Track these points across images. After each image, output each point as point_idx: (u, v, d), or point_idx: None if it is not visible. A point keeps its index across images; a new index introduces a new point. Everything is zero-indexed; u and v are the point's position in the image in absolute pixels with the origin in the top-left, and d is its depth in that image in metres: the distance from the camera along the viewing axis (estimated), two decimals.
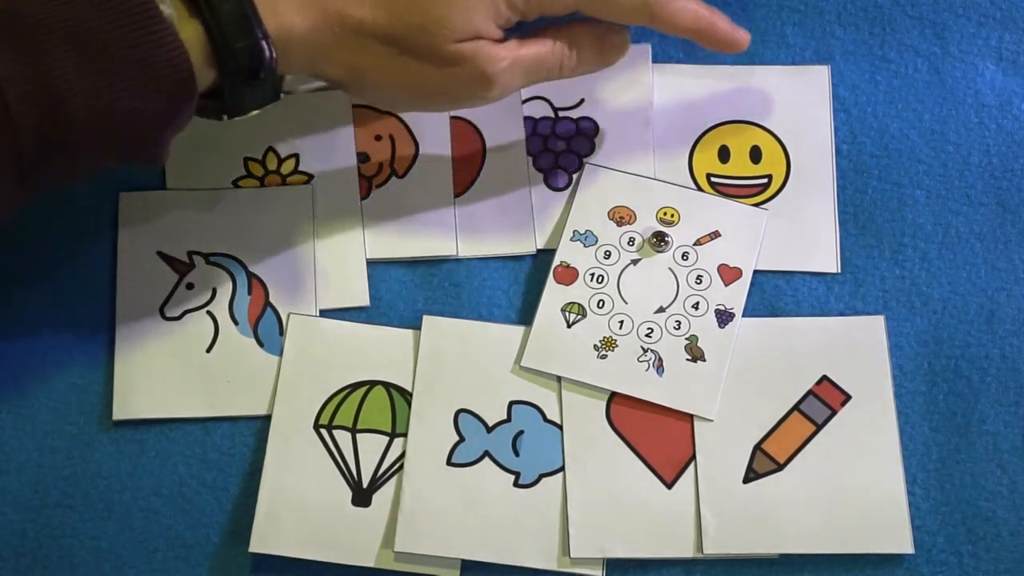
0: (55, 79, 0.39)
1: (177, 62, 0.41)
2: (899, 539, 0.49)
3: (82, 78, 0.39)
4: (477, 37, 0.46)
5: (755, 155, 0.55)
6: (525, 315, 0.53)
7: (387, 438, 0.50)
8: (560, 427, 0.50)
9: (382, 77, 0.47)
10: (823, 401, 0.51)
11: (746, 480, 0.49)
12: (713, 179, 0.55)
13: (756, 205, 0.54)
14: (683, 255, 0.53)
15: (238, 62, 0.43)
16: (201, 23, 0.42)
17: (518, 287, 0.53)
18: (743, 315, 0.52)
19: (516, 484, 0.49)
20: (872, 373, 0.51)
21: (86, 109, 0.40)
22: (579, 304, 0.52)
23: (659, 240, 0.53)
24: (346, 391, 0.51)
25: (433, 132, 0.55)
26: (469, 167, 0.55)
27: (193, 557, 0.49)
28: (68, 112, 0.39)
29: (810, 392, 0.51)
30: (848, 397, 0.51)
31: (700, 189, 0.54)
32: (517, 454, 0.50)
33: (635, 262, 0.53)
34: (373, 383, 0.51)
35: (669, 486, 0.49)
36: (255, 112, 0.46)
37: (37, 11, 0.39)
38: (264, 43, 0.43)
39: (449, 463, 0.50)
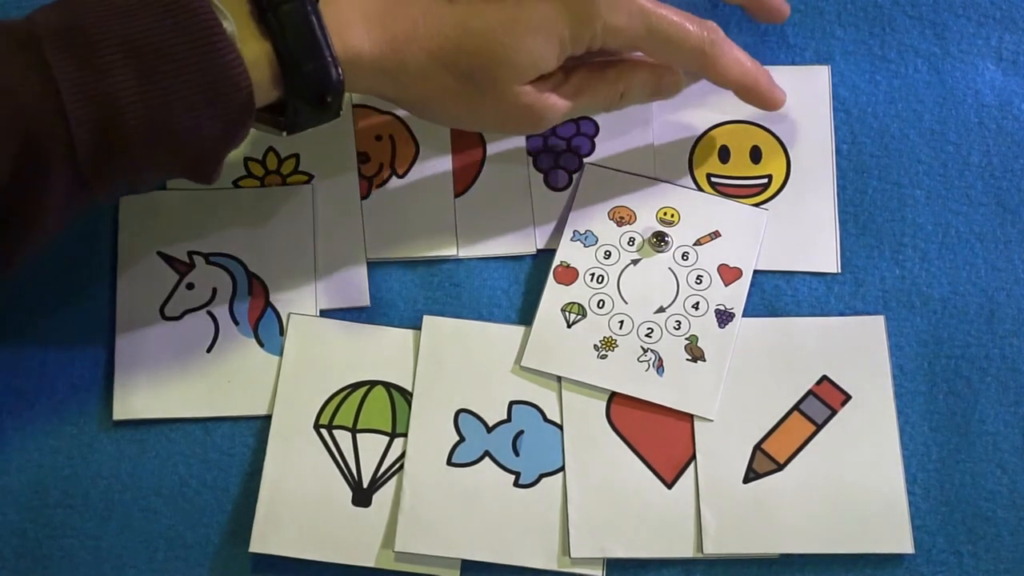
0: (113, 93, 0.39)
1: (237, 80, 0.41)
2: (899, 539, 0.49)
3: (140, 92, 0.40)
4: (540, 76, 0.47)
5: (755, 155, 0.55)
6: (525, 315, 0.53)
7: (387, 438, 0.50)
8: (560, 427, 0.50)
9: (443, 104, 0.48)
10: (823, 401, 0.51)
11: (746, 480, 0.49)
12: (713, 179, 0.55)
13: (756, 205, 0.54)
14: (683, 255, 0.53)
15: (306, 84, 0.43)
16: (271, 43, 0.42)
17: (518, 287, 0.53)
18: (743, 315, 0.52)
19: (516, 484, 0.49)
20: (872, 373, 0.51)
21: (143, 123, 0.40)
22: (579, 304, 0.52)
23: (659, 240, 0.53)
24: (346, 391, 0.51)
25: (433, 132, 0.55)
26: (469, 167, 0.55)
27: (193, 557, 0.49)
28: (125, 126, 0.40)
29: (810, 392, 0.51)
30: (848, 397, 0.51)
31: (700, 189, 0.54)
32: (517, 454, 0.50)
33: (635, 262, 0.53)
34: (373, 383, 0.51)
35: (669, 486, 0.49)
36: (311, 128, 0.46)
37: (98, 25, 0.39)
38: (332, 66, 0.43)
39: (449, 463, 0.50)
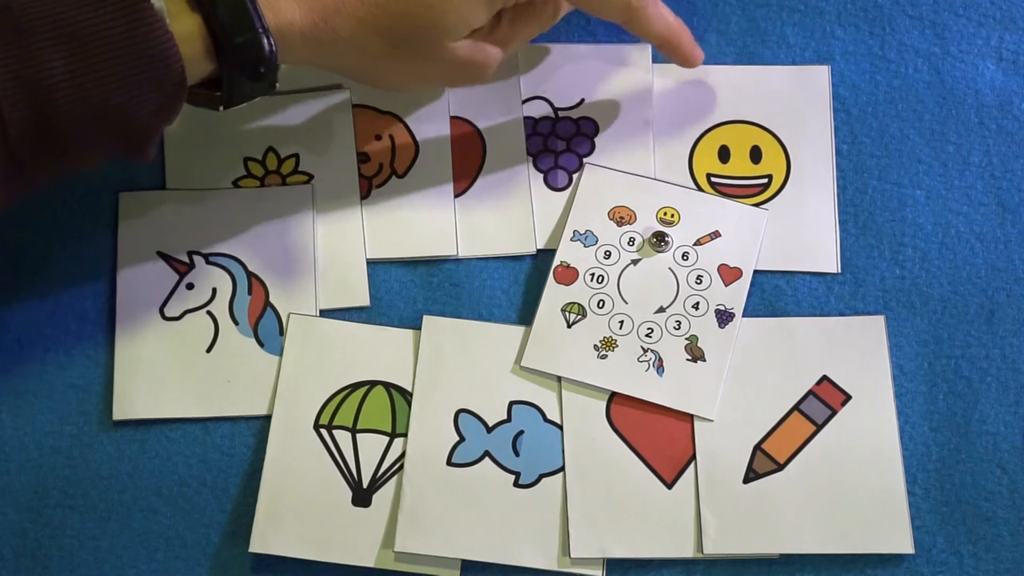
0: (44, 73, 0.39)
1: (167, 56, 0.41)
2: (899, 539, 0.49)
3: (71, 72, 0.40)
4: (472, 31, 0.48)
5: (755, 155, 0.55)
6: (525, 315, 0.53)
7: (387, 438, 0.50)
8: (560, 427, 0.50)
9: (381, 69, 0.48)
10: (823, 401, 0.51)
11: (746, 480, 0.49)
12: (713, 179, 0.55)
13: (756, 205, 0.54)
14: (683, 255, 0.53)
15: (238, 55, 0.43)
16: (201, 16, 0.43)
17: (518, 287, 0.53)
18: (743, 315, 0.52)
19: (516, 484, 0.49)
20: (872, 373, 0.51)
21: (75, 103, 0.40)
22: (579, 304, 0.52)
23: (659, 240, 0.53)
24: (346, 391, 0.51)
25: (433, 132, 0.55)
26: (469, 167, 0.55)
27: (193, 557, 0.49)
28: (57, 106, 0.40)
29: (810, 392, 0.51)
30: (848, 397, 0.51)
31: (700, 189, 0.54)
32: (517, 454, 0.50)
33: (635, 262, 0.53)
34: (373, 383, 0.51)
35: (669, 486, 0.49)
36: (250, 102, 0.46)
37: (26, 6, 0.39)
38: (264, 37, 0.43)
39: (449, 463, 0.50)
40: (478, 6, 0.47)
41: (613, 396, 0.51)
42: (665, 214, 0.54)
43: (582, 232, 0.53)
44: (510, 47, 0.51)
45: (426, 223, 0.54)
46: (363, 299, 0.53)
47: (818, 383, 0.51)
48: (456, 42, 0.47)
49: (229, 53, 0.43)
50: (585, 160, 0.55)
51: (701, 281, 0.52)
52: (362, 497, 0.49)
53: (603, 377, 0.51)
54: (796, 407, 0.51)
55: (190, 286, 0.52)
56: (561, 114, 0.56)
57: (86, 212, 0.53)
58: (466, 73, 0.50)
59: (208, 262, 0.53)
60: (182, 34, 0.42)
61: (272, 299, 0.52)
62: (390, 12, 0.46)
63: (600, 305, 0.52)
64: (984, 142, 0.55)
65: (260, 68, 0.44)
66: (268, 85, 0.46)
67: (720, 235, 0.53)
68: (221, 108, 0.46)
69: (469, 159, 0.55)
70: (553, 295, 0.52)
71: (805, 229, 0.54)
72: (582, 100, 0.56)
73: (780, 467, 0.50)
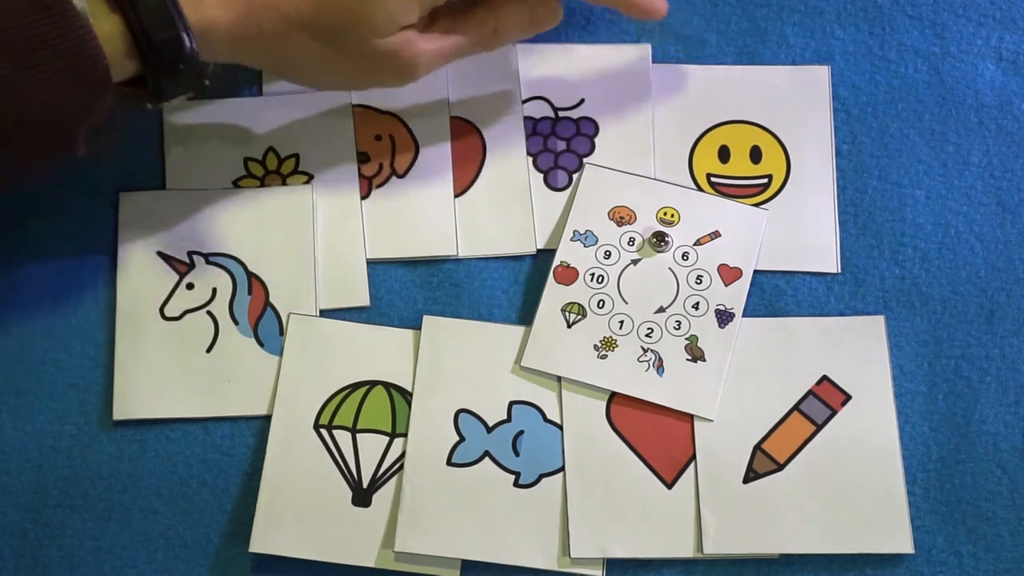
0: None
1: (92, 55, 0.41)
2: (899, 539, 0.49)
3: None
4: (401, 28, 0.47)
5: (755, 155, 0.55)
6: (525, 315, 0.53)
7: (387, 438, 0.50)
8: (560, 427, 0.50)
9: (307, 65, 0.48)
10: (823, 401, 0.51)
11: (746, 480, 0.50)
12: (713, 179, 0.55)
13: (756, 205, 0.54)
14: (683, 255, 0.53)
15: (159, 54, 0.43)
16: (122, 16, 0.43)
17: (518, 287, 0.53)
18: (743, 315, 0.52)
19: (516, 484, 0.49)
20: (872, 373, 0.51)
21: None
22: (579, 304, 0.52)
23: (659, 240, 0.53)
24: (346, 391, 0.51)
25: (433, 132, 0.55)
26: (469, 167, 0.55)
27: (193, 557, 0.49)
28: None
29: (810, 392, 0.51)
30: (848, 397, 0.51)
31: (700, 189, 0.54)
32: (517, 454, 0.50)
33: (635, 262, 0.53)
34: (373, 383, 0.51)
35: (669, 486, 0.49)
36: (180, 99, 0.46)
37: None
38: (184, 35, 0.43)
39: (449, 463, 0.50)
40: (408, 8, 0.46)
41: (613, 396, 0.51)
42: (665, 214, 0.54)
43: (582, 232, 0.53)
44: (445, 53, 0.50)
45: (426, 223, 0.54)
46: (363, 299, 0.53)
47: (818, 383, 0.51)
48: (384, 38, 0.47)
49: (149, 52, 0.43)
50: (585, 160, 0.55)
51: (701, 281, 0.52)
52: (362, 497, 0.49)
53: (603, 377, 0.51)
54: (796, 407, 0.51)
55: (190, 286, 0.52)
56: (561, 114, 0.56)
57: (86, 212, 0.53)
58: (394, 71, 0.49)
59: (208, 262, 0.53)
60: (103, 34, 0.42)
61: (272, 299, 0.52)
62: (317, 8, 0.45)
63: (600, 305, 0.52)
64: (984, 142, 0.55)
65: (180, 66, 0.44)
66: (195, 82, 0.45)
67: (720, 235, 0.53)
68: (149, 106, 0.46)
69: (469, 159, 0.55)
70: (553, 295, 0.52)
71: (805, 229, 0.54)
72: (582, 100, 0.56)
73: (780, 467, 0.50)
